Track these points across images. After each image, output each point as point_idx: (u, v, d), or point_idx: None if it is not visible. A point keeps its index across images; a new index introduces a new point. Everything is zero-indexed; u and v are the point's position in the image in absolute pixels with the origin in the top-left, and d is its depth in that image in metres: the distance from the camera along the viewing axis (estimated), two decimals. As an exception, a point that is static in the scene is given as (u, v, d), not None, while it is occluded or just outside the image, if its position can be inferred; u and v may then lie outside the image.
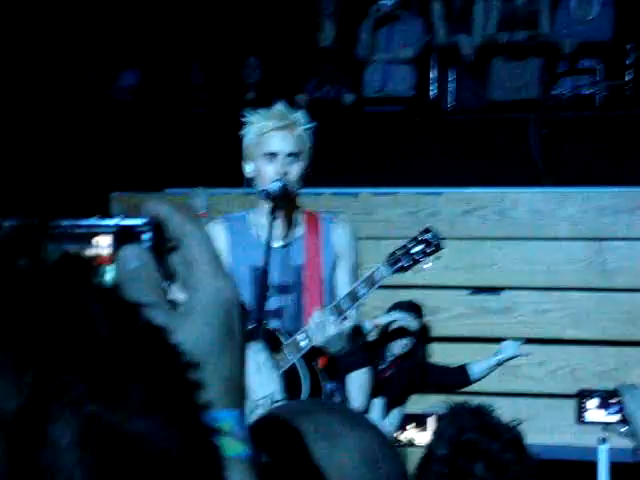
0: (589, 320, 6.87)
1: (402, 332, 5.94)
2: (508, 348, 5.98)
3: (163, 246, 0.92)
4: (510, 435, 2.22)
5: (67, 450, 0.67)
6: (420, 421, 4.69)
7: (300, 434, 1.19)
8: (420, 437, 3.97)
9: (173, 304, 0.91)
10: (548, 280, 6.98)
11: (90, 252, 0.91)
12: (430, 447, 2.22)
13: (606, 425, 5.06)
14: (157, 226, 0.92)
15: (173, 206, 0.94)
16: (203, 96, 9.48)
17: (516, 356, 5.99)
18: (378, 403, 5.52)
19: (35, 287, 0.72)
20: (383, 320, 5.69)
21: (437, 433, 2.25)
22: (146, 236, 0.92)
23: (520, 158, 7.96)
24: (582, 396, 5.16)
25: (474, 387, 6.02)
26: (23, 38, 8.19)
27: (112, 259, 0.91)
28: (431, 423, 3.87)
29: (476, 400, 2.45)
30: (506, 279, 7.05)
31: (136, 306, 0.83)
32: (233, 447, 0.89)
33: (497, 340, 6.26)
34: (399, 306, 5.99)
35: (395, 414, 5.87)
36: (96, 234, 0.92)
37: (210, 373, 0.89)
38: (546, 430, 6.47)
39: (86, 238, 0.92)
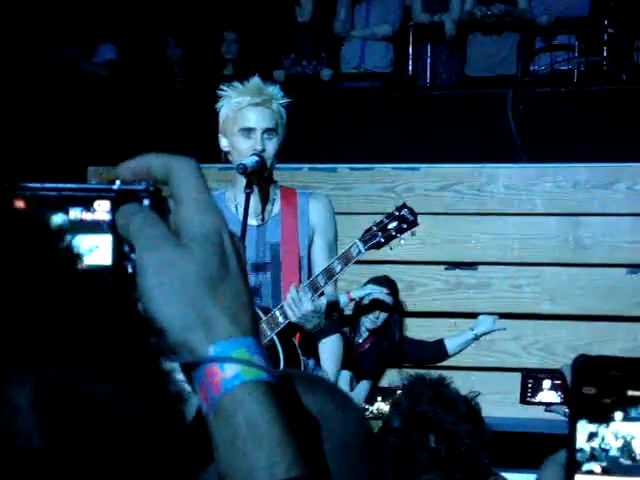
0: (564, 295, 6.90)
1: (376, 306, 5.97)
2: (483, 323, 6.02)
3: (162, 211, 0.94)
4: (465, 407, 2.22)
5: (25, 412, 0.68)
6: (389, 394, 4.71)
7: None
8: (388, 409, 4.01)
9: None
10: (523, 255, 7.01)
11: (90, 216, 0.92)
12: (386, 419, 2.22)
13: (549, 406, 5.10)
14: (156, 192, 0.94)
15: (148, 154, 0.96)
16: (180, 71, 9.44)
17: (491, 331, 6.04)
18: (345, 375, 5.55)
19: None
20: (358, 294, 5.71)
21: (393, 405, 2.25)
22: (145, 201, 0.93)
23: (497, 134, 7.97)
24: (526, 377, 5.20)
25: (449, 361, 6.07)
26: (2, 10, 8.13)
27: (111, 224, 0.92)
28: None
29: (452, 374, 2.46)
30: (482, 254, 7.07)
31: (100, 273, 0.84)
32: (250, 372, 0.90)
33: (473, 315, 6.30)
34: (373, 281, 6.01)
35: (363, 386, 5.90)
36: (96, 198, 0.93)
37: (214, 304, 0.91)
38: (518, 404, 6.51)
39: (86, 202, 0.93)
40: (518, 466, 4.47)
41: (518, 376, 6.80)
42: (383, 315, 6.01)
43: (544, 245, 6.99)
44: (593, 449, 1.04)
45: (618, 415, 1.05)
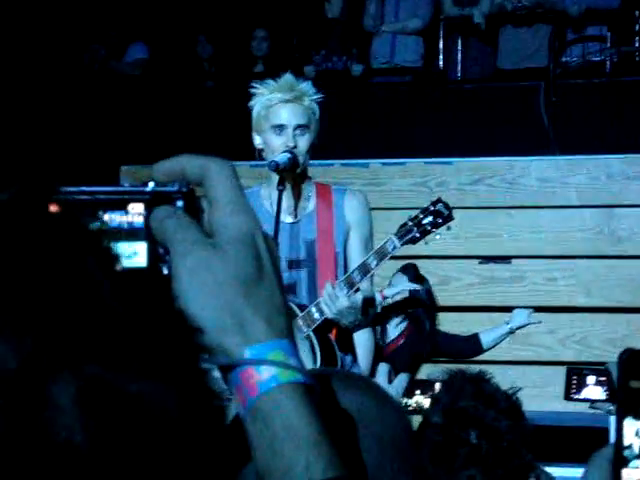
0: (599, 288, 6.87)
1: (410, 302, 5.97)
2: (518, 316, 6.00)
3: (195, 213, 0.94)
4: (506, 403, 2.21)
5: (67, 410, 0.68)
6: (427, 387, 4.71)
7: None
8: (427, 402, 4.01)
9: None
10: (558, 248, 6.98)
11: (124, 219, 0.92)
12: (426, 414, 2.22)
13: (593, 402, 5.07)
14: (189, 193, 0.94)
15: (189, 154, 0.96)
16: (211, 69, 9.46)
17: (526, 324, 6.02)
18: (382, 369, 5.55)
19: (37, 250, 0.73)
20: (390, 292, 5.71)
21: (433, 400, 2.24)
22: (179, 203, 0.93)
23: (529, 126, 7.94)
24: (571, 373, 5.17)
25: (485, 356, 6.05)
26: (34, 11, 8.19)
27: (145, 227, 0.92)
28: (438, 389, 3.88)
29: (488, 369, 2.45)
30: (516, 248, 7.05)
31: (138, 273, 0.85)
32: (286, 374, 0.91)
33: (507, 309, 6.28)
34: (401, 270, 6.00)
35: (402, 379, 5.90)
36: (130, 201, 0.93)
37: (249, 306, 0.91)
38: (557, 398, 6.49)
39: (120, 205, 0.93)
40: (558, 460, 4.45)
41: (554, 369, 6.79)
42: (418, 310, 6.01)
43: (578, 237, 6.96)
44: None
45: None
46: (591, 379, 5.10)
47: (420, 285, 6.02)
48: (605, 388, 5.04)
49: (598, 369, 5.13)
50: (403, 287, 5.90)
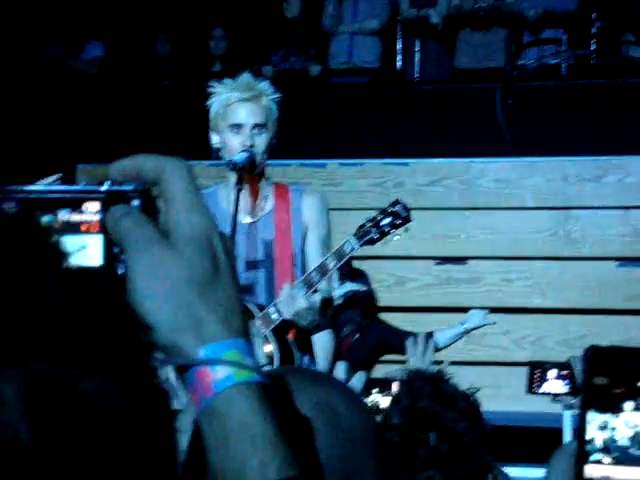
0: (554, 289, 6.92)
1: (356, 301, 5.99)
2: (474, 317, 6.02)
3: (152, 212, 0.93)
4: (465, 404, 2.22)
5: (12, 406, 0.68)
6: (384, 385, 4.72)
7: None
8: (384, 401, 4.03)
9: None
10: (514, 249, 7.02)
11: (79, 218, 0.92)
12: (385, 415, 2.22)
13: (555, 396, 5.12)
14: (145, 192, 0.93)
15: (145, 154, 0.95)
16: (169, 68, 9.43)
17: (482, 325, 6.04)
18: (341, 366, 5.55)
19: None
20: (338, 292, 5.73)
21: (393, 400, 2.25)
22: (135, 202, 0.93)
23: (486, 128, 7.98)
24: (533, 367, 5.22)
25: (440, 356, 6.06)
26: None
27: (101, 226, 0.92)
28: (395, 387, 3.89)
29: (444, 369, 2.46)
30: (472, 249, 7.09)
31: (89, 271, 0.84)
32: (241, 374, 0.90)
33: (464, 310, 6.30)
34: (347, 277, 6.02)
35: (359, 377, 5.91)
36: (85, 200, 0.93)
37: (204, 306, 0.91)
38: (511, 398, 6.53)
39: (75, 203, 0.92)
40: (513, 460, 4.48)
41: (509, 370, 6.84)
42: (366, 308, 6.05)
43: (534, 239, 7.00)
44: (603, 440, 1.04)
45: (629, 405, 1.05)
46: (552, 373, 5.15)
47: (362, 283, 6.06)
48: (567, 382, 5.09)
49: (560, 363, 5.18)
50: (350, 287, 5.93)
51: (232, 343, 0.92)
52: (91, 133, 8.18)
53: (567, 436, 5.13)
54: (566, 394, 5.07)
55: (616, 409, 1.04)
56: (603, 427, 1.04)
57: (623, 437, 1.04)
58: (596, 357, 1.04)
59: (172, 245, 0.91)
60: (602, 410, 1.04)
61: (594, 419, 1.04)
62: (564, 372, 5.11)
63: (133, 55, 9.31)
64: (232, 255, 0.95)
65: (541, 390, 5.19)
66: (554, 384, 5.16)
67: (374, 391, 4.99)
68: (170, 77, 9.31)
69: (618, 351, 1.07)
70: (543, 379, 5.18)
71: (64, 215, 0.92)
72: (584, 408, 1.05)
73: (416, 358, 4.27)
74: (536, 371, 5.18)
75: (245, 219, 4.11)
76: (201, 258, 0.92)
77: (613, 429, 1.04)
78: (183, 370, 0.91)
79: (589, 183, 7.03)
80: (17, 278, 0.71)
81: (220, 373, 0.90)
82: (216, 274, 0.93)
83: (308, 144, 7.91)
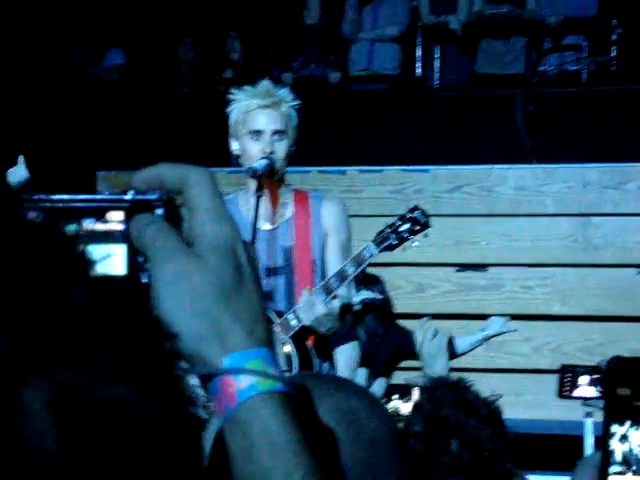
0: (574, 296, 6.90)
1: (373, 307, 5.99)
2: (494, 324, 6.00)
3: (176, 221, 0.94)
4: (487, 411, 2.21)
5: (39, 415, 0.68)
6: (405, 391, 4.71)
7: None
8: (405, 407, 4.03)
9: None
10: (534, 256, 7.01)
11: (103, 227, 0.92)
12: (407, 423, 2.21)
13: (586, 400, 5.10)
14: (169, 201, 0.94)
15: (168, 162, 0.95)
16: (189, 75, 9.46)
17: (502, 332, 6.02)
18: (361, 373, 5.55)
19: (10, 253, 0.72)
20: (355, 299, 5.73)
21: (414, 408, 2.24)
22: (159, 211, 0.93)
23: (506, 134, 7.97)
24: (564, 371, 5.20)
25: (461, 363, 6.05)
26: (12, 14, 8.16)
27: (125, 235, 0.92)
28: (416, 393, 3.88)
29: (465, 376, 2.45)
30: (492, 256, 7.07)
31: (115, 280, 0.84)
32: (265, 383, 0.90)
33: (484, 317, 6.29)
34: (364, 283, 6.02)
35: (380, 383, 5.91)
36: (109, 209, 0.93)
37: (228, 315, 0.91)
38: (532, 405, 6.51)
39: (99, 212, 0.93)
40: (535, 468, 4.46)
41: (530, 377, 6.82)
42: (382, 315, 6.04)
43: (554, 246, 6.99)
44: (623, 452, 1.03)
45: None
46: (584, 379, 5.13)
47: (378, 290, 6.06)
48: (598, 387, 5.07)
49: (591, 367, 5.17)
50: (366, 296, 5.93)
51: (256, 352, 0.92)
52: (111, 140, 8.21)
53: (588, 444, 5.11)
54: (597, 398, 5.05)
55: (637, 421, 1.04)
56: (624, 438, 1.04)
57: (642, 449, 1.04)
58: (619, 368, 1.03)
59: (196, 254, 0.92)
60: (624, 422, 1.03)
61: (616, 431, 1.03)
62: (595, 376, 5.10)
63: (154, 62, 9.33)
64: (256, 264, 0.96)
65: (572, 394, 5.18)
66: (586, 389, 5.14)
67: (394, 397, 4.99)
68: (190, 84, 9.34)
69: None
70: (575, 383, 5.16)
71: (89, 224, 0.92)
72: (608, 419, 1.04)
73: (425, 342, 4.23)
74: (567, 375, 5.16)
75: (265, 226, 4.11)
76: (225, 267, 0.92)
77: (632, 441, 1.04)
78: (207, 379, 0.91)
79: (609, 190, 7.01)
80: (43, 286, 0.71)
81: (244, 382, 0.90)
82: (240, 283, 0.93)
83: (328, 151, 7.91)
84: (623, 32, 8.66)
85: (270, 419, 0.90)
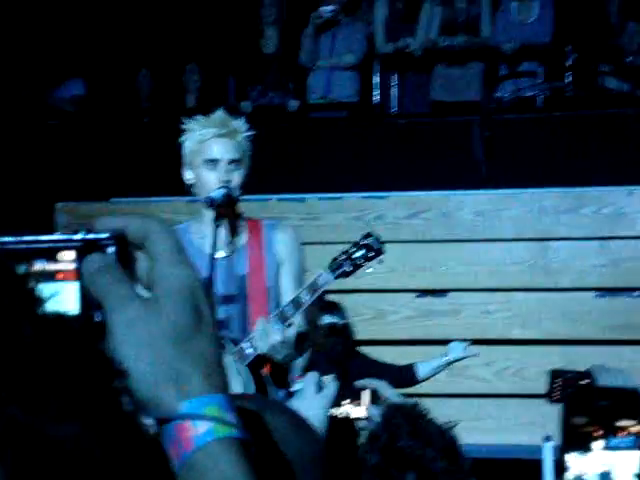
0: (534, 320, 6.94)
1: (334, 332, 5.98)
2: (455, 349, 6.02)
3: (127, 259, 0.94)
4: (443, 442, 2.19)
5: None
6: (355, 395, 4.72)
7: None
8: (355, 411, 4.03)
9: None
10: (493, 281, 7.04)
11: (55, 267, 0.92)
12: (363, 453, 2.18)
13: None
14: (120, 239, 0.94)
15: (125, 214, 0.97)
16: (147, 105, 9.45)
17: (464, 357, 6.04)
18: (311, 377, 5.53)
19: None
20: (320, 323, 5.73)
21: (371, 438, 2.21)
22: (110, 249, 0.94)
23: (464, 160, 8.02)
24: (554, 376, 5.21)
25: (422, 388, 6.07)
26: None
27: (76, 274, 0.92)
28: (366, 397, 3.87)
29: (426, 401, 2.44)
30: (452, 281, 7.10)
31: (64, 317, 0.85)
32: (222, 429, 0.91)
33: (445, 342, 6.31)
34: (324, 310, 6.01)
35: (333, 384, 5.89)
36: (60, 249, 0.93)
37: (186, 360, 0.92)
38: (494, 430, 6.53)
39: (50, 253, 0.93)
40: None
41: (491, 401, 6.84)
42: (342, 341, 6.05)
43: (513, 270, 7.03)
44: (576, 477, 1.05)
45: (599, 444, 1.06)
46: (572, 382, 5.16)
47: (338, 315, 6.06)
48: None
49: (580, 372, 5.18)
50: (326, 322, 5.93)
51: (213, 398, 0.92)
52: (70, 171, 8.18)
53: (547, 467, 5.13)
54: None
55: (588, 448, 1.05)
56: (576, 465, 1.05)
57: (594, 474, 1.06)
58: (575, 397, 1.05)
59: (153, 299, 0.92)
60: (577, 449, 1.05)
61: (576, 458, 1.05)
62: (585, 381, 5.12)
63: (111, 92, 9.32)
64: (214, 307, 0.97)
65: (563, 399, 5.19)
66: None
67: (344, 402, 4.99)
68: (148, 114, 9.34)
69: (596, 391, 1.08)
70: (564, 388, 5.18)
71: (40, 265, 0.92)
72: (564, 448, 1.06)
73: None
74: (556, 380, 5.18)
75: (220, 253, 4.11)
76: (183, 311, 0.93)
77: (585, 467, 1.06)
78: (163, 423, 0.91)
79: (566, 214, 7.07)
80: None
81: (201, 428, 0.90)
82: (198, 327, 0.93)
83: (287, 179, 7.93)
84: (577, 57, 8.75)
85: (226, 465, 0.90)
